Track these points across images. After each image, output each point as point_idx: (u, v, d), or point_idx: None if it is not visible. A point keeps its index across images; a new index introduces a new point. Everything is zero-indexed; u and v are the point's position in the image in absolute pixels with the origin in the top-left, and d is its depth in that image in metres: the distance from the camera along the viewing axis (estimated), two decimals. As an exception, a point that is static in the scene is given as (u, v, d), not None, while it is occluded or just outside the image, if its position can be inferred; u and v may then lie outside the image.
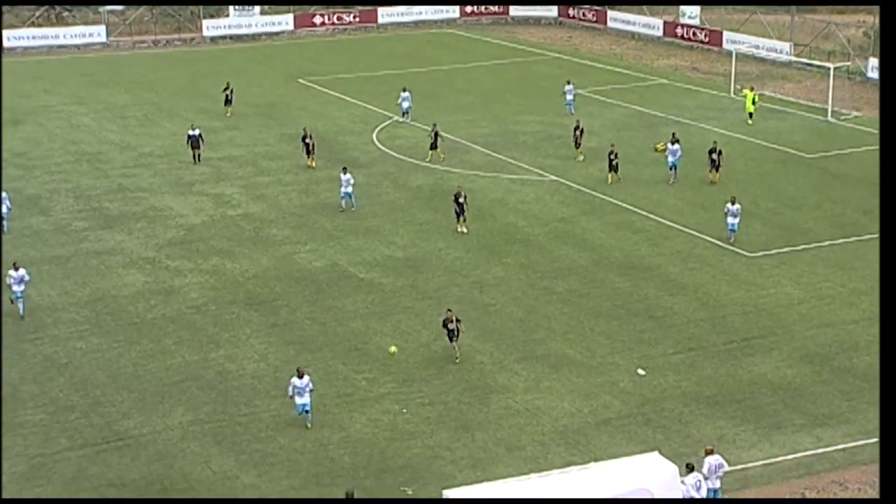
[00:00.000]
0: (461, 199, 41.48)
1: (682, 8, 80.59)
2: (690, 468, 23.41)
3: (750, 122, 57.45)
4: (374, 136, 56.50)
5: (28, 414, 28.55)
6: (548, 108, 61.13)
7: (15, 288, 33.98)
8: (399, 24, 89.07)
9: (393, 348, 31.00)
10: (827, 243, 40.41)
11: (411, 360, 31.35)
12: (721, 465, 24.12)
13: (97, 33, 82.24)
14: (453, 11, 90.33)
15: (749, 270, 38.08)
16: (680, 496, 21.85)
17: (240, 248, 40.43)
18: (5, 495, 24.96)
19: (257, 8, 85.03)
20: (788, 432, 27.68)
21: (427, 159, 51.19)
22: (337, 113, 61.74)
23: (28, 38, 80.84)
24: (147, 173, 50.14)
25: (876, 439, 26.09)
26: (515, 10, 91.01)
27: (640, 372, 30.88)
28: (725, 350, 32.25)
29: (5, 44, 78.71)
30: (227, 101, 60.40)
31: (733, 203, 40.17)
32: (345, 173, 44.34)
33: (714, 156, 46.97)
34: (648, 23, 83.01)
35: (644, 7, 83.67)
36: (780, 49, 72.58)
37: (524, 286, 36.95)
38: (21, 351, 32.03)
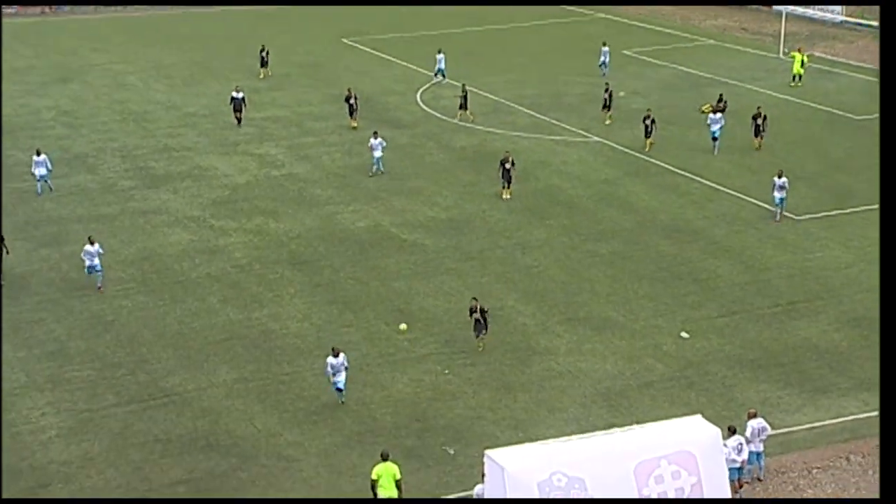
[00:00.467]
0: (508, 165, 40.82)
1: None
2: (733, 431, 23.30)
3: (793, 84, 56.59)
4: (417, 96, 56.33)
5: (75, 370, 28.96)
6: (593, 69, 60.53)
7: (90, 262, 33.24)
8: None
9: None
10: (877, 206, 39.80)
11: (454, 321, 31.38)
12: (764, 429, 23.97)
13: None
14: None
15: (795, 233, 37.65)
16: (722, 458, 21.73)
17: (283, 208, 40.58)
18: (54, 450, 25.39)
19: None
20: (834, 396, 27.45)
21: (457, 119, 51.06)
22: (381, 73, 61.58)
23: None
24: (192, 133, 50.38)
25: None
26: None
27: (684, 335, 30.71)
28: (770, 313, 31.97)
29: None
30: (263, 63, 60.39)
31: (780, 176, 38.45)
32: (375, 137, 43.97)
33: (758, 121, 46.23)
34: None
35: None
36: (831, 9, 71.31)
37: (567, 248, 36.79)
38: (68, 308, 32.44)
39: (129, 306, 32.57)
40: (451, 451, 25.37)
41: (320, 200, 41.41)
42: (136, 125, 51.75)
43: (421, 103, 54.96)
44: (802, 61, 57.18)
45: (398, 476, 22.23)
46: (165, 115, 53.37)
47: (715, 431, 21.85)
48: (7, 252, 33.98)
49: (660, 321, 31.58)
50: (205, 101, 55.56)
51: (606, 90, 51.13)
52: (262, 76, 59.85)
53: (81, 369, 29.00)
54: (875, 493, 23.40)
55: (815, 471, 24.62)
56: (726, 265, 35.27)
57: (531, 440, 23.05)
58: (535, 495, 20.18)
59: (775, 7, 72.89)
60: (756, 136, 46.27)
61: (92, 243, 33.49)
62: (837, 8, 70.79)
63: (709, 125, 46.47)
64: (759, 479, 24.09)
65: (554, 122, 51.29)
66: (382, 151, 43.83)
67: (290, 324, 31.51)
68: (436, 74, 58.42)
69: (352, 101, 50.43)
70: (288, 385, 28.22)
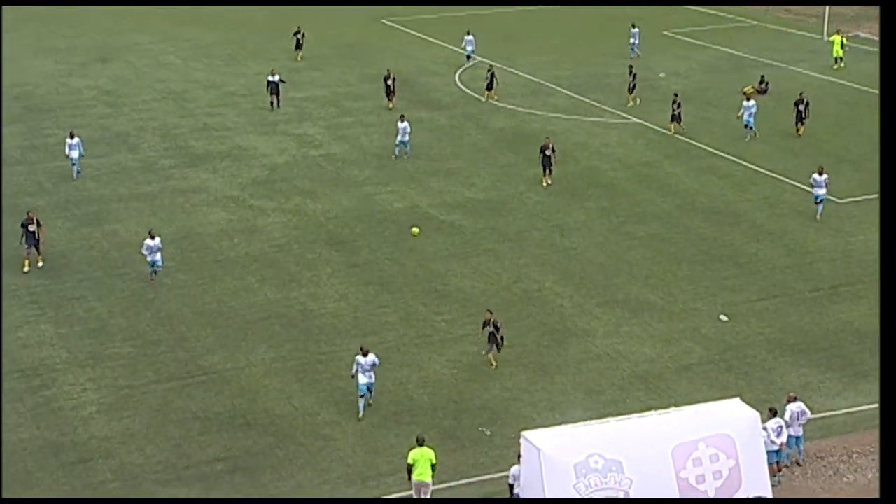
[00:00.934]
0: (548, 152, 40.20)
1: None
2: (773, 413, 23.13)
3: (835, 66, 55.84)
4: (456, 77, 56.17)
5: (116, 347, 29.23)
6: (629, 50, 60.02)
7: (150, 257, 32.36)
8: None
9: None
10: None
11: (491, 301, 31.31)
12: (804, 413, 23.77)
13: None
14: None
15: (838, 217, 37.22)
16: (761, 442, 21.60)
17: (322, 189, 40.65)
18: (95, 426, 25.65)
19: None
20: (875, 381, 27.12)
21: (484, 99, 50.89)
22: (419, 53, 61.45)
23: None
24: (231, 112, 50.55)
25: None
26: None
27: (723, 318, 30.48)
28: (812, 297, 31.65)
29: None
30: (298, 46, 60.37)
31: (820, 173, 36.92)
32: (402, 121, 43.68)
33: (801, 107, 45.50)
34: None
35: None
36: (875, -11, 70.22)
37: (606, 230, 36.60)
38: (109, 286, 32.71)
39: (168, 284, 32.78)
40: (488, 433, 25.37)
41: (358, 181, 41.44)
42: (176, 104, 52.01)
43: (459, 84, 54.80)
44: (842, 43, 56.41)
45: (434, 460, 22.22)
46: (205, 95, 53.59)
47: (754, 414, 21.73)
48: (36, 237, 33.62)
49: (699, 304, 31.35)
50: (244, 81, 55.72)
51: (631, 72, 50.68)
52: (298, 58, 59.82)
53: (122, 346, 29.27)
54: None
55: (855, 455, 24.39)
56: (767, 248, 34.93)
57: (568, 422, 23.01)
58: (572, 477, 20.19)
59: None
60: (798, 122, 45.55)
61: (153, 237, 32.51)
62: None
63: (741, 113, 45.50)
64: (798, 464, 23.90)
65: (593, 103, 50.96)
66: (408, 136, 43.52)
67: (327, 304, 31.60)
68: (467, 58, 58.09)
69: (389, 81, 50.37)
70: (325, 364, 28.32)
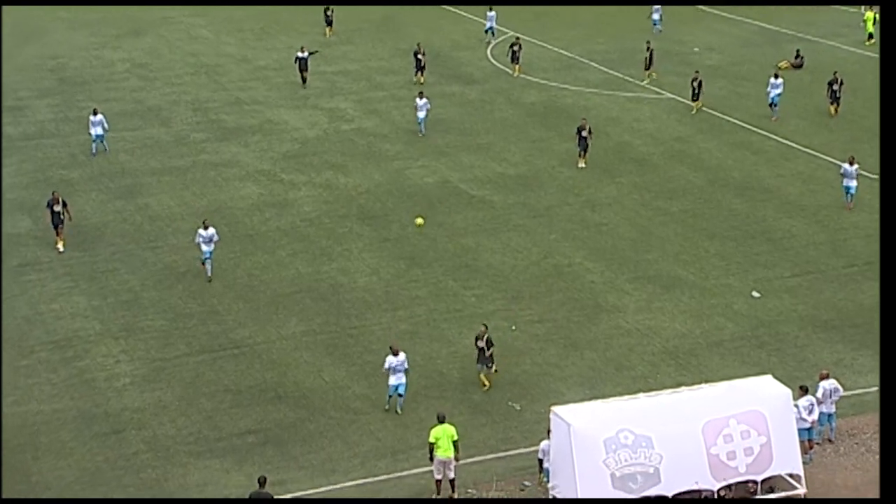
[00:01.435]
0: (584, 133, 39.44)
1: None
2: (805, 390, 22.98)
3: (868, 42, 55.15)
4: (488, 51, 55.92)
5: (149, 319, 29.43)
6: (666, 24, 59.50)
7: (204, 248, 31.34)
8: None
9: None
10: (957, 166, 38.72)
11: (521, 277, 31.27)
12: (836, 390, 23.60)
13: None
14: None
15: (872, 193, 36.79)
16: (792, 419, 21.48)
17: (353, 163, 40.66)
18: (128, 397, 25.89)
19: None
20: (909, 360, 26.89)
21: (514, 74, 50.77)
22: (451, 27, 61.20)
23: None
24: (263, 87, 50.60)
25: None
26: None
27: (755, 294, 30.28)
28: (845, 274, 31.38)
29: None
30: (328, 23, 60.19)
31: (851, 163, 35.69)
32: (421, 97, 43.40)
33: (835, 87, 44.71)
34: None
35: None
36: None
37: (637, 206, 36.40)
38: (142, 259, 32.92)
39: (200, 258, 32.92)
40: (518, 407, 25.38)
41: (389, 155, 41.41)
42: (208, 78, 52.12)
43: (491, 59, 54.56)
44: (875, 19, 55.68)
45: (455, 437, 22.14)
46: (236, 69, 53.66)
47: (785, 391, 21.61)
48: (70, 218, 33.73)
49: (731, 280, 31.17)
50: (275, 56, 55.73)
51: (648, 48, 50.13)
52: (327, 34, 59.66)
53: (154, 319, 29.47)
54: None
55: (887, 434, 24.21)
56: (800, 224, 34.64)
57: (598, 397, 22.99)
58: (602, 452, 20.17)
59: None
60: (833, 102, 44.71)
61: (206, 227, 31.47)
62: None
63: (768, 92, 44.63)
64: (829, 441, 23.77)
65: (627, 78, 50.60)
66: (427, 113, 43.17)
67: (358, 278, 31.66)
68: (486, 32, 57.75)
69: (420, 56, 50.20)
70: (356, 339, 28.40)
